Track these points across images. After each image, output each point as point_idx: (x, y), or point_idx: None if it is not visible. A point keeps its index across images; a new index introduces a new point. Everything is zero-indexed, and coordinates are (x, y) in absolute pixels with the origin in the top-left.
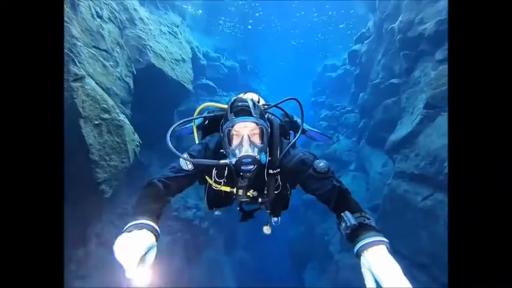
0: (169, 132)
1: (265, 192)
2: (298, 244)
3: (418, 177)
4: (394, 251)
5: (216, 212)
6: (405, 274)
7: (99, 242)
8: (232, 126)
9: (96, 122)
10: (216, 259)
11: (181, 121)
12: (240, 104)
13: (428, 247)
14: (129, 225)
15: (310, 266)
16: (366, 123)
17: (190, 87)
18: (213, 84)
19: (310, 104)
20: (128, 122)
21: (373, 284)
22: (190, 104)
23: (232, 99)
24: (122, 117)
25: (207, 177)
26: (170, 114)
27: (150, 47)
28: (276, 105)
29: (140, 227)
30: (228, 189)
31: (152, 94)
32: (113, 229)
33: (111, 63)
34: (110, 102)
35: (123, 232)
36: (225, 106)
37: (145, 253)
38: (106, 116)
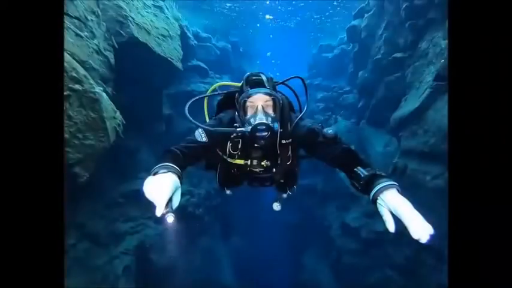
0: (187, 106)
1: (278, 162)
2: (296, 230)
3: (427, 155)
4: (401, 234)
5: (228, 192)
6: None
7: (81, 234)
8: (248, 97)
9: (65, 93)
10: (212, 247)
11: (197, 97)
12: (254, 77)
13: (439, 229)
14: (155, 168)
15: (309, 252)
16: (365, 103)
17: (179, 65)
18: (205, 66)
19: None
20: (107, 97)
21: (392, 221)
22: (181, 86)
23: (247, 74)
24: (98, 89)
25: (220, 152)
26: (158, 94)
27: (133, 18)
28: (283, 83)
29: (166, 169)
30: (242, 161)
31: (137, 72)
32: (100, 221)
33: (86, 33)
34: (81, 71)
35: (153, 173)
36: (238, 84)
37: (172, 194)
38: (77, 87)
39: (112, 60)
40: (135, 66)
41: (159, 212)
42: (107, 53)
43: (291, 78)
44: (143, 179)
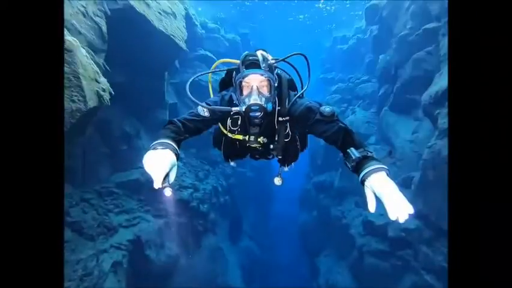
0: (188, 83)
1: (276, 139)
2: (311, 230)
3: None
4: (439, 228)
5: (232, 163)
6: None
7: (67, 223)
8: (243, 78)
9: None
10: (218, 247)
11: (199, 74)
12: (250, 58)
13: None
14: (154, 143)
15: (325, 253)
16: (387, 90)
17: (183, 44)
18: (213, 56)
19: (320, 81)
20: (86, 54)
21: (374, 202)
22: (187, 75)
23: (244, 54)
24: (72, 39)
25: (221, 126)
26: (160, 76)
27: None
28: (283, 60)
29: (165, 146)
30: (240, 137)
31: (135, 48)
32: (89, 209)
33: None
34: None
35: (152, 148)
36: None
37: (169, 170)
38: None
39: (103, 28)
40: (132, 40)
41: (156, 186)
42: (97, 19)
43: (292, 55)
44: (143, 168)
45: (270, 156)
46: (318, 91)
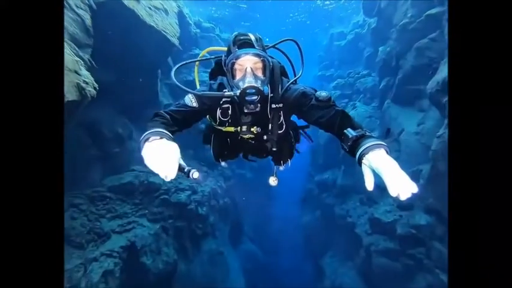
0: (174, 69)
1: (270, 128)
2: (314, 231)
3: None
4: None
5: (223, 164)
6: None
7: None
8: (236, 59)
9: None
10: (219, 251)
11: (184, 62)
12: (242, 37)
13: None
14: (146, 133)
15: (330, 254)
16: (389, 82)
17: (175, 40)
18: (208, 55)
19: (318, 78)
20: (66, 43)
21: (372, 180)
22: (182, 75)
23: (235, 33)
24: None
25: (211, 119)
26: (153, 75)
27: None
28: (274, 46)
29: (160, 135)
30: (232, 129)
31: (125, 45)
32: (78, 215)
33: None
34: None
35: (144, 140)
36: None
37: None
38: None
39: (87, 22)
40: (121, 36)
41: (170, 178)
42: (80, 11)
43: (283, 41)
44: (137, 171)
45: (263, 154)
46: (316, 88)
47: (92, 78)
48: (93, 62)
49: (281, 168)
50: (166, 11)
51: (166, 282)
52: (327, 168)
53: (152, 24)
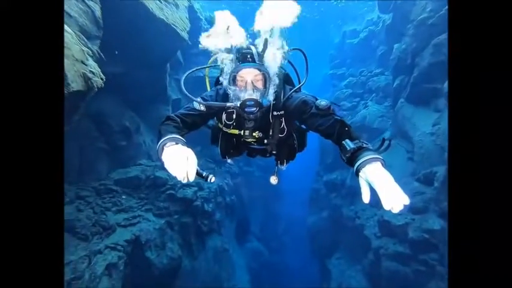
0: (183, 78)
1: (270, 133)
2: (321, 231)
3: None
4: None
5: (229, 161)
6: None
7: None
8: (237, 72)
9: None
10: (224, 248)
11: (195, 68)
12: (244, 51)
13: None
14: (164, 139)
15: (337, 256)
16: (403, 81)
17: (185, 35)
18: (219, 51)
19: (329, 77)
20: (72, 32)
21: (368, 193)
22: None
23: (238, 47)
24: None
25: (217, 121)
26: (161, 69)
27: None
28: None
29: (176, 140)
30: (236, 131)
31: (134, 38)
32: (84, 207)
33: None
34: None
35: (162, 145)
36: None
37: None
38: None
39: (97, 13)
40: (131, 29)
41: (189, 180)
42: (89, 3)
43: (289, 50)
44: (144, 165)
45: (267, 154)
46: (327, 87)
47: (99, 69)
48: (101, 54)
49: (283, 168)
50: (176, 5)
51: (170, 277)
52: (335, 168)
53: (162, 17)
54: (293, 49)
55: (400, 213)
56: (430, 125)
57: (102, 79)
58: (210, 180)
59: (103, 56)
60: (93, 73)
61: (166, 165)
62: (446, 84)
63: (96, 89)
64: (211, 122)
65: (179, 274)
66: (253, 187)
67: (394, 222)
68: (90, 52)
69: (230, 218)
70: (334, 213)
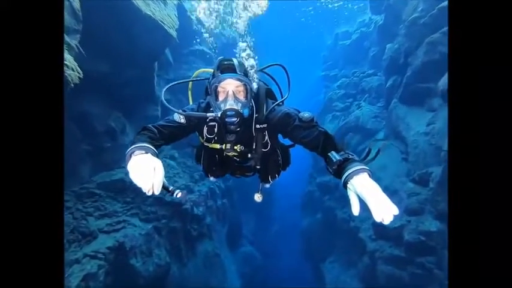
0: (164, 90)
1: (254, 147)
2: (315, 234)
3: None
4: None
5: (211, 179)
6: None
7: None
8: (219, 82)
9: None
10: (215, 253)
11: (178, 81)
12: (226, 62)
13: None
14: (132, 148)
15: (330, 260)
16: (396, 81)
17: (173, 32)
18: (209, 51)
19: (321, 78)
20: None
21: (358, 205)
22: (181, 72)
23: (219, 58)
24: None
25: (199, 135)
26: (149, 68)
27: None
28: (261, 70)
29: (145, 149)
30: (217, 146)
31: (119, 34)
32: (64, 214)
33: None
34: None
35: (130, 153)
36: None
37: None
38: None
39: (75, 4)
40: (115, 24)
41: (156, 192)
42: None
43: (270, 65)
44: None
45: (249, 173)
46: (319, 89)
47: (75, 63)
48: (81, 49)
49: (267, 185)
50: (165, 2)
51: (157, 286)
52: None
53: (149, 13)
54: (274, 64)
55: (395, 215)
56: (425, 125)
57: (79, 73)
58: (177, 195)
59: (83, 52)
60: (67, 66)
61: (131, 175)
62: (440, 83)
63: (72, 85)
64: (196, 143)
65: (167, 282)
66: (245, 190)
67: (389, 225)
68: (66, 46)
69: (221, 222)
70: (327, 216)
